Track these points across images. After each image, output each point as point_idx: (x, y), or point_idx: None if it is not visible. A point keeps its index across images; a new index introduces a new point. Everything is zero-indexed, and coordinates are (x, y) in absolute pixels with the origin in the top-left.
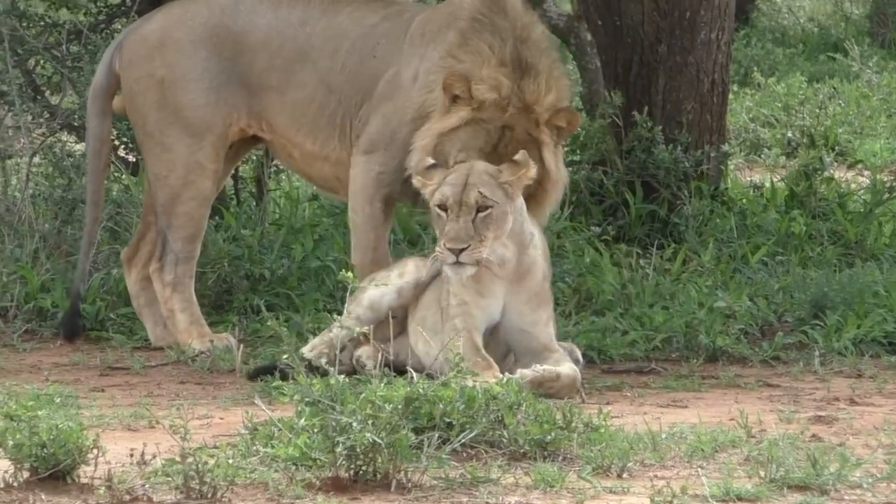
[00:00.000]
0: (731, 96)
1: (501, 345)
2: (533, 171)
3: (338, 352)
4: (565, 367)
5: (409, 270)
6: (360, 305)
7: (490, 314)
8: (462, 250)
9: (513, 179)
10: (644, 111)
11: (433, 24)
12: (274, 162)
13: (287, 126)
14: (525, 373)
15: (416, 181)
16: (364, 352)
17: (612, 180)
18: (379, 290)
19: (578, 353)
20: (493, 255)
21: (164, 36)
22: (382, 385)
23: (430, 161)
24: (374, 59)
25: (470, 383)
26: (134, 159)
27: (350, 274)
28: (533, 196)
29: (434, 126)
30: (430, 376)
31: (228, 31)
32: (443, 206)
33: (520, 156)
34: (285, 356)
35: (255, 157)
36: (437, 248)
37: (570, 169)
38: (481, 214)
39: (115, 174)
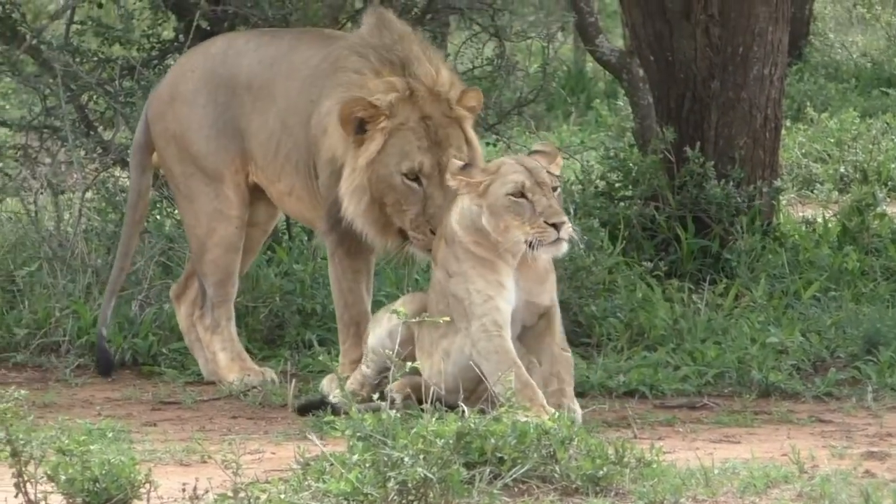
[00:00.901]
0: (783, 132)
1: (517, 322)
2: (559, 158)
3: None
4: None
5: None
6: (378, 338)
7: (512, 303)
8: (563, 223)
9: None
10: (696, 146)
11: (327, 62)
12: None
13: (261, 165)
14: (577, 409)
15: (456, 182)
16: (394, 386)
17: (664, 215)
18: (391, 322)
19: (578, 416)
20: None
21: (173, 90)
22: (434, 420)
23: (459, 163)
24: (311, 102)
25: (522, 418)
26: None
27: (402, 309)
28: None
29: (358, 161)
30: (449, 405)
31: (221, 76)
32: (518, 193)
33: (548, 146)
34: (336, 391)
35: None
36: (533, 230)
37: (623, 204)
38: (555, 193)
39: (169, 209)
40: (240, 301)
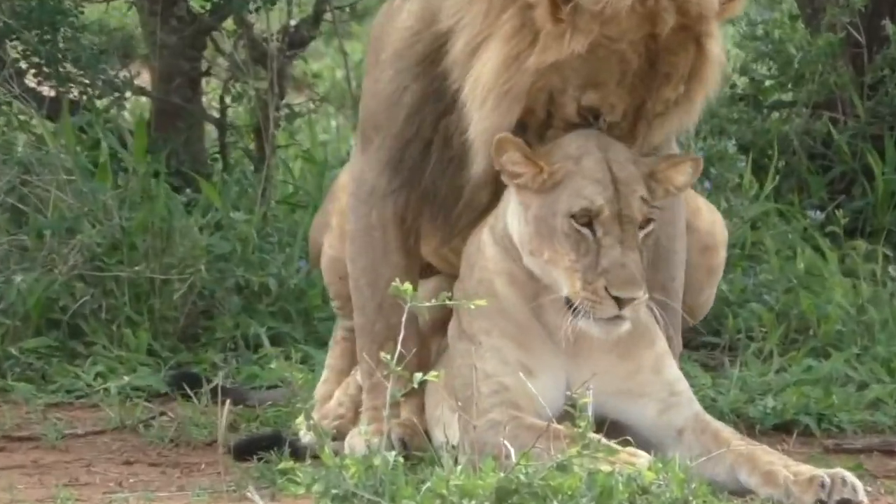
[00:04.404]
0: None
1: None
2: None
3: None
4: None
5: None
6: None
7: (551, 399)
8: (631, 300)
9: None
10: None
11: None
12: (284, 102)
13: None
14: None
15: (509, 163)
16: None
17: (847, 134)
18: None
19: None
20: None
21: None
22: (458, 469)
23: (509, 136)
24: None
25: (605, 467)
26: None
27: (408, 286)
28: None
29: (534, 58)
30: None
31: None
32: (586, 220)
33: (693, 161)
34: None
35: (253, 94)
36: (585, 294)
37: (777, 116)
38: (642, 233)
39: (24, 118)
40: (138, 271)
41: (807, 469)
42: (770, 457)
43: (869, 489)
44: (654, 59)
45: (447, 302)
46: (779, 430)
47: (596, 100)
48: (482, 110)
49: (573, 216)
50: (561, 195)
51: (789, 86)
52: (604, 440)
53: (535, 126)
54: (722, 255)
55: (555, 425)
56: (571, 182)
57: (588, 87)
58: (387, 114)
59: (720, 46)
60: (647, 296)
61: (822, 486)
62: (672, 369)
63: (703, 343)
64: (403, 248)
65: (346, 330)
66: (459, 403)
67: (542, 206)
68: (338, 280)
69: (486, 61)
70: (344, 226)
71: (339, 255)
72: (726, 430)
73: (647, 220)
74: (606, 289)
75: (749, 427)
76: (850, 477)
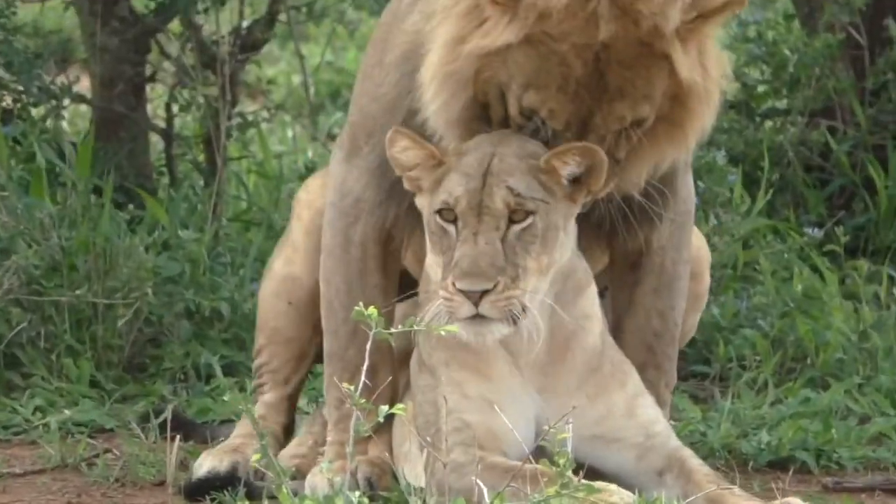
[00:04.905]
0: None
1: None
2: (604, 174)
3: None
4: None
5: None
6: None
7: (519, 436)
8: (485, 293)
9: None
10: None
11: None
12: (236, 110)
13: None
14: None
15: (398, 166)
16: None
17: (846, 144)
18: None
19: None
20: (534, 309)
21: None
22: None
23: (406, 132)
24: None
25: None
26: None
27: (372, 310)
28: (666, 116)
29: (473, 41)
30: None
31: None
32: (448, 214)
33: (578, 149)
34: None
35: (202, 102)
36: (442, 293)
37: (771, 124)
38: (516, 227)
39: None
40: (80, 295)
41: None
42: (737, 500)
43: None
44: (604, 71)
45: (414, 327)
46: (774, 467)
47: (536, 101)
48: (430, 91)
49: (438, 212)
50: (435, 193)
51: (784, 92)
52: (583, 480)
53: (497, 121)
54: (707, 280)
55: (528, 465)
56: (446, 179)
57: (530, 87)
58: (385, 119)
59: (699, 72)
60: (519, 295)
61: None
62: (646, 409)
63: (691, 373)
64: (383, 268)
65: (266, 406)
66: (424, 442)
67: (427, 207)
68: (285, 307)
69: (437, 39)
70: (309, 246)
71: (297, 273)
72: (700, 472)
73: (524, 213)
74: (453, 284)
75: (742, 464)
76: None
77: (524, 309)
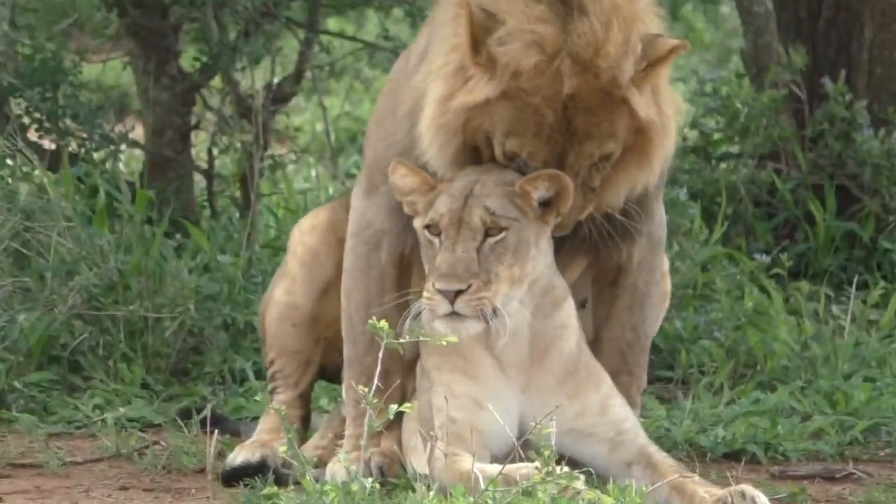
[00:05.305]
0: None
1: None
2: (570, 198)
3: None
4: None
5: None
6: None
7: (502, 431)
8: (459, 293)
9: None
10: (840, 77)
11: None
12: (268, 153)
13: None
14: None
15: (397, 191)
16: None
17: (790, 184)
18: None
19: None
20: (505, 312)
21: None
22: (431, 496)
23: (406, 163)
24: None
25: (568, 494)
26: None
27: (384, 323)
28: (633, 147)
29: (459, 98)
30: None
31: None
32: (434, 229)
33: (547, 175)
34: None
35: (239, 146)
36: (425, 294)
37: (725, 166)
38: (491, 240)
39: (26, 168)
40: (133, 310)
41: (721, 491)
42: (696, 486)
43: None
44: (572, 117)
45: (420, 338)
46: (728, 458)
47: (516, 146)
48: (426, 139)
49: (427, 228)
50: (427, 213)
51: (736, 139)
52: (566, 469)
53: (486, 161)
54: (666, 304)
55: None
56: (436, 200)
57: (510, 134)
58: None
59: (655, 110)
60: (490, 296)
61: (724, 502)
62: (617, 409)
63: (657, 377)
64: (397, 287)
65: (282, 404)
66: (427, 436)
67: (419, 226)
68: (290, 328)
69: (429, 96)
70: (305, 277)
71: (297, 302)
72: (665, 463)
73: (498, 229)
74: (433, 285)
75: (701, 455)
76: (750, 491)
77: (495, 311)
